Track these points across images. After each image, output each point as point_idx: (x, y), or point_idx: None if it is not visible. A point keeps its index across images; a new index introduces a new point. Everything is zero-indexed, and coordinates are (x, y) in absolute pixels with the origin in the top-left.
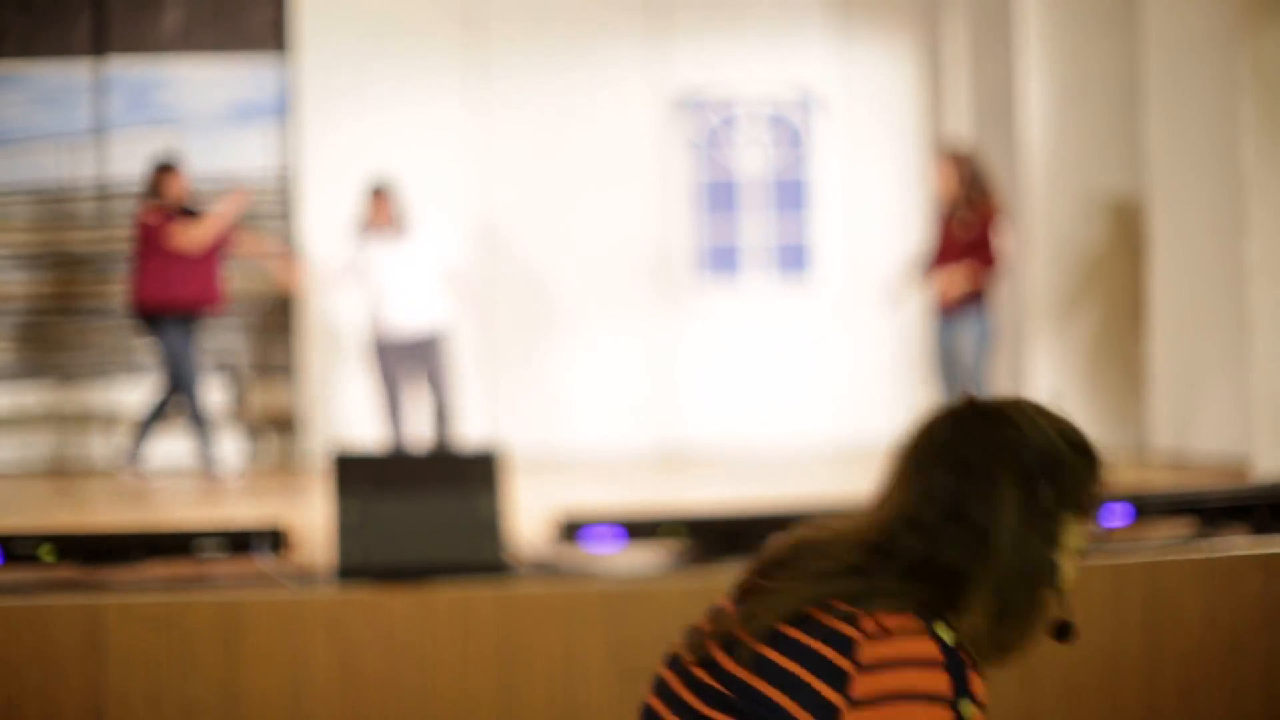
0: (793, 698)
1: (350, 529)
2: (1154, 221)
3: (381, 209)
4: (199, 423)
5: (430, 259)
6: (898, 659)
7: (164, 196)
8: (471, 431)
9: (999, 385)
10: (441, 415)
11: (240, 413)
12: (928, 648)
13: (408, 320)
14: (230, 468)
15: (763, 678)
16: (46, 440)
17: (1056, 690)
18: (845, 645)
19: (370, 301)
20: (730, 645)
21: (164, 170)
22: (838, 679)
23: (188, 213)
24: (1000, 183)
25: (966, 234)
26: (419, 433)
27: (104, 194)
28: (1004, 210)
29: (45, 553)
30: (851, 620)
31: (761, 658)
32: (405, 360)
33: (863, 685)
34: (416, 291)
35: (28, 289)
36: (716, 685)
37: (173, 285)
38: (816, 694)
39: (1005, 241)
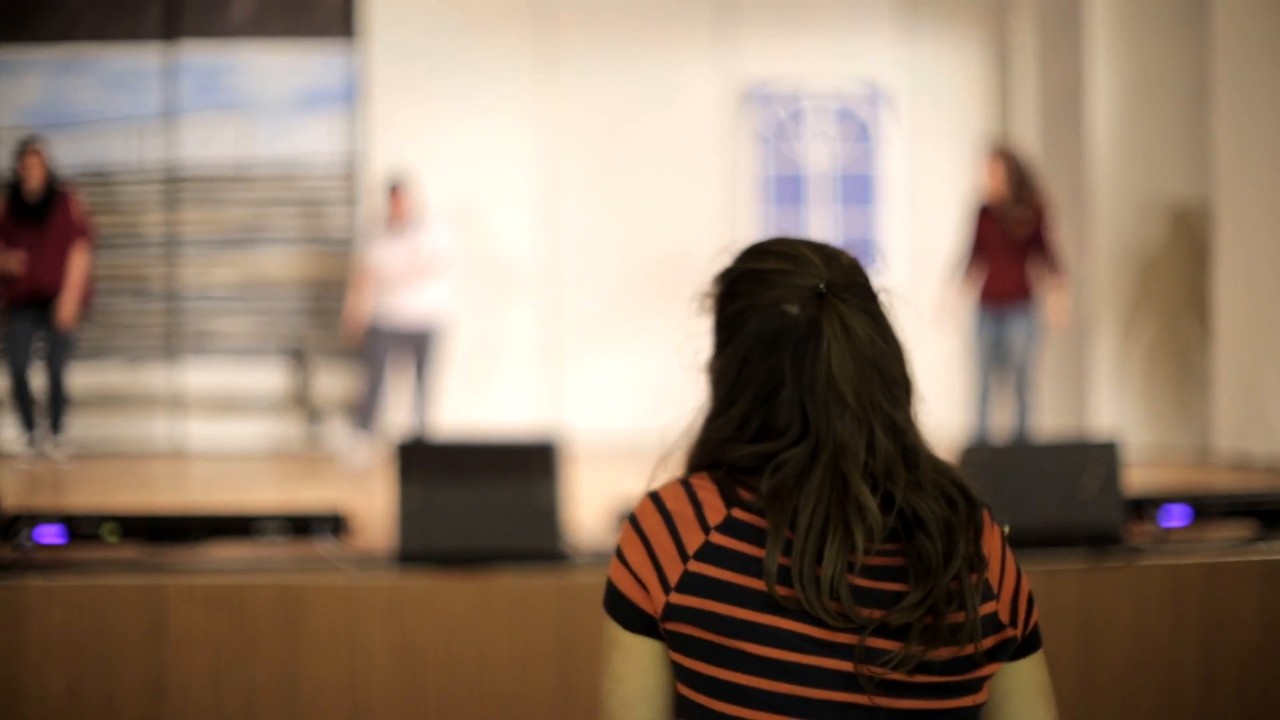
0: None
1: (411, 515)
2: (1219, 223)
3: (397, 203)
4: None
5: (425, 254)
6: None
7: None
8: (534, 419)
9: (1055, 385)
10: (422, 404)
11: (303, 396)
12: None
13: (404, 309)
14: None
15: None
16: (113, 421)
17: (1113, 691)
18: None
19: (375, 290)
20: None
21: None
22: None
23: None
24: (1052, 181)
25: (1022, 231)
26: (403, 419)
27: (172, 177)
28: (1052, 205)
29: (108, 533)
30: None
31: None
32: (398, 348)
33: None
34: (418, 281)
35: (96, 271)
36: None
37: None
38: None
39: (1057, 235)
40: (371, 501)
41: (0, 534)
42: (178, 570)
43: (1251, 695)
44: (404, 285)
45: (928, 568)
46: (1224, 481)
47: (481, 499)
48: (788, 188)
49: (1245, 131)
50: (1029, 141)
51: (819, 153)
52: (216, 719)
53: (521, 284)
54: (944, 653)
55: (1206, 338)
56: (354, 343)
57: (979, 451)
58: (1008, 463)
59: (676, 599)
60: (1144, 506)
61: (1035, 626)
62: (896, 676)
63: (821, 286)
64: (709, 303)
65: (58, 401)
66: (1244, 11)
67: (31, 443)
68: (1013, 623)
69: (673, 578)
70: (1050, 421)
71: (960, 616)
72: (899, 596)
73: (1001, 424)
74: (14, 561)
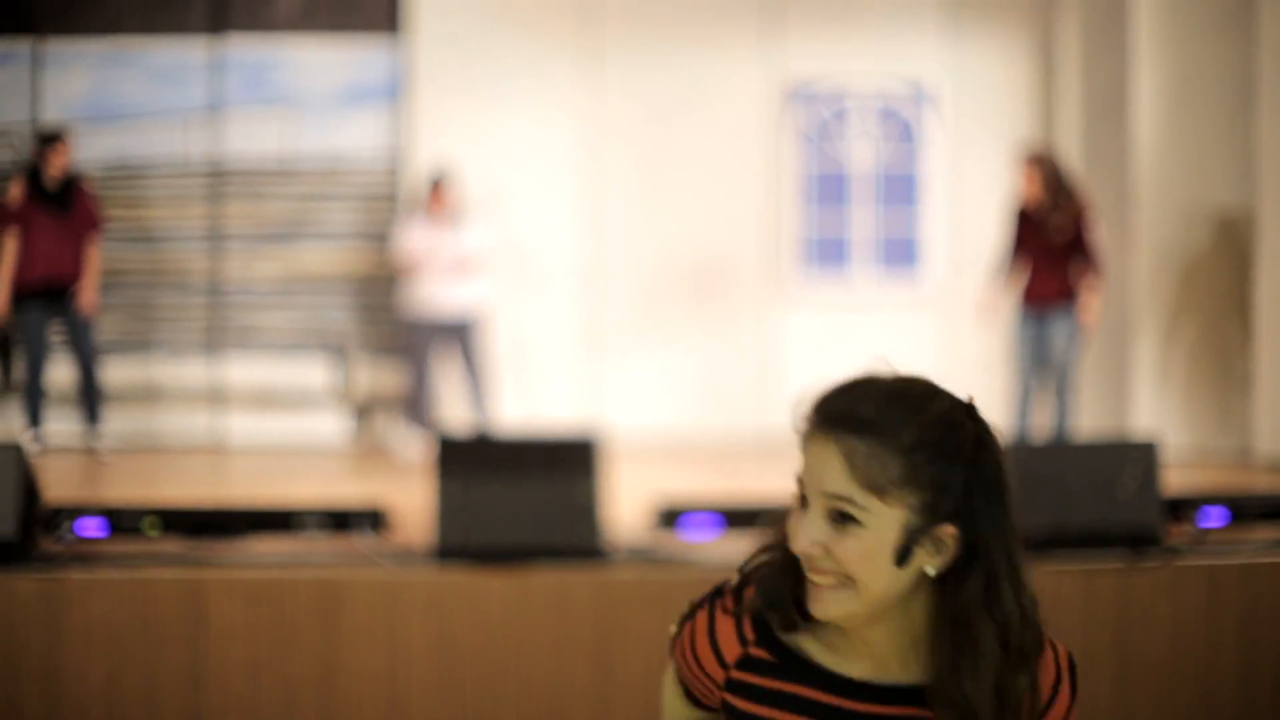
0: None
1: (450, 511)
2: (1262, 227)
3: (438, 197)
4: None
5: (467, 249)
6: None
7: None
8: (574, 417)
9: (1096, 386)
10: (479, 396)
11: (346, 392)
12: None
13: (445, 302)
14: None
15: None
16: (154, 415)
17: (1150, 691)
18: None
19: (417, 283)
20: None
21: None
22: None
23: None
24: (1095, 183)
25: (1062, 236)
26: (459, 414)
27: (217, 171)
28: (1092, 206)
29: (149, 526)
30: None
31: None
32: (441, 340)
33: None
34: (458, 276)
35: (140, 264)
36: None
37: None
38: None
39: (1098, 236)
40: (412, 497)
41: (42, 526)
42: (218, 564)
43: None
44: (445, 279)
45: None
46: (1263, 483)
47: (521, 495)
48: (830, 187)
49: None
50: (1071, 144)
51: (862, 152)
52: (255, 712)
53: (562, 279)
54: None
55: (1248, 341)
56: (408, 335)
57: (1019, 451)
58: (1047, 462)
59: None
60: (1182, 507)
61: None
62: None
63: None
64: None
65: (93, 393)
66: None
67: (37, 439)
68: None
69: None
70: (1090, 423)
71: None
72: None
73: (1041, 425)
74: (56, 554)
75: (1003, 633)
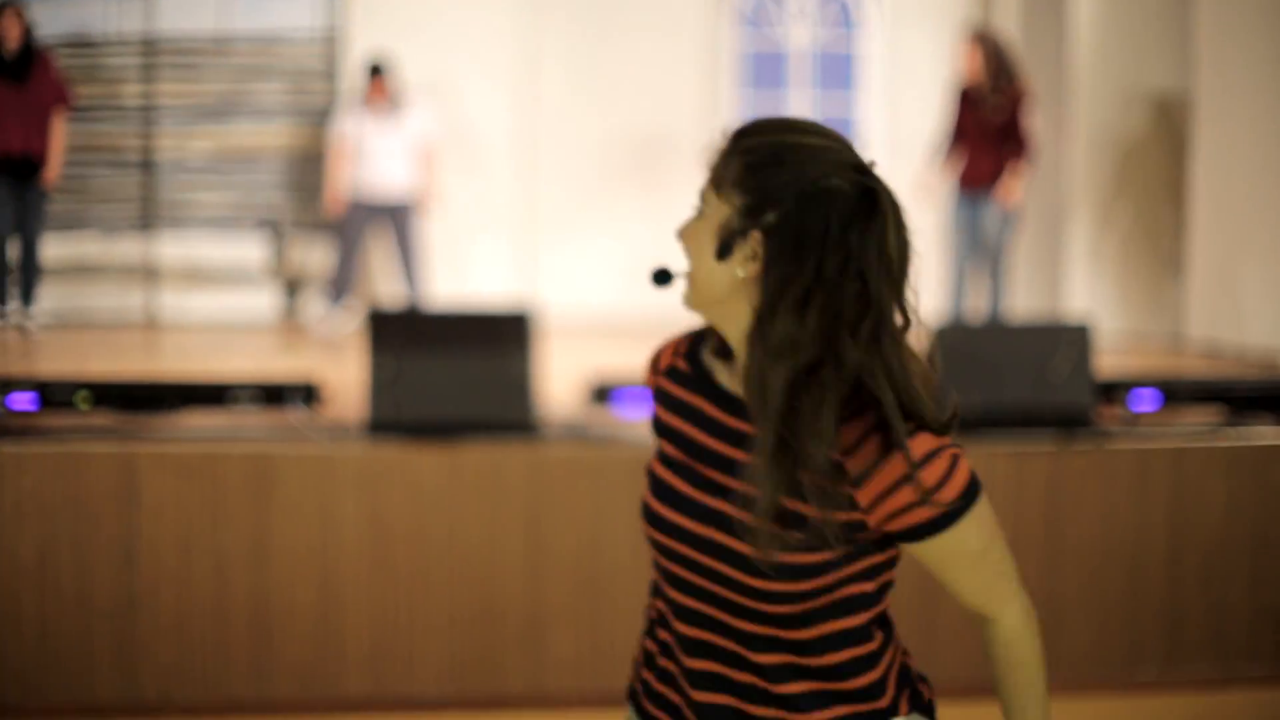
0: None
1: (382, 385)
2: (1198, 113)
3: (379, 86)
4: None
5: (413, 137)
6: None
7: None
8: (508, 292)
9: (1031, 269)
10: (411, 275)
11: (279, 269)
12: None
13: (384, 185)
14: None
15: None
16: (87, 291)
17: (1080, 570)
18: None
19: (355, 168)
20: None
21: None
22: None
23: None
24: (1033, 68)
25: (997, 117)
26: (391, 291)
27: (150, 48)
28: (1031, 93)
29: (81, 400)
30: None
31: None
32: (374, 222)
33: None
34: (395, 162)
35: (73, 141)
36: None
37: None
38: None
39: (1033, 123)
40: (345, 372)
41: None
42: (150, 438)
43: (1215, 576)
44: (394, 164)
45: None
46: (1195, 368)
47: (453, 369)
48: (767, 68)
49: (1226, 21)
50: (1010, 27)
51: (799, 34)
52: (187, 586)
53: (498, 161)
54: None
55: (1182, 227)
56: (334, 216)
57: (953, 332)
58: (980, 343)
59: None
60: (1114, 390)
61: (934, 519)
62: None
63: (869, 161)
64: (736, 173)
65: (31, 270)
66: None
67: (2, 315)
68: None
69: None
70: (1024, 305)
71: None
72: None
73: (975, 307)
74: None
75: (770, 347)
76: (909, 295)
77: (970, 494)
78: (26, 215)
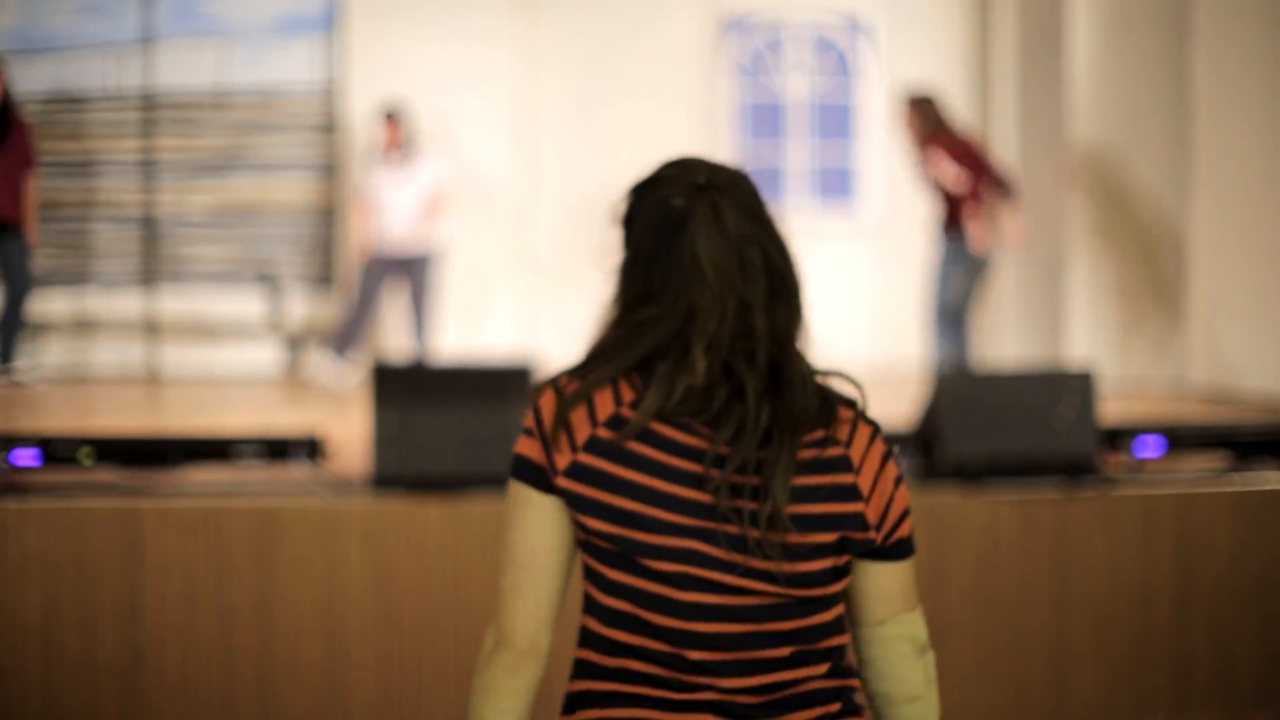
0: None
1: (386, 439)
2: (1199, 157)
3: (393, 133)
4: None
5: (427, 187)
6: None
7: None
8: (510, 345)
9: (1030, 313)
10: (420, 328)
11: (279, 323)
12: None
13: (399, 238)
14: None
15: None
16: (88, 346)
17: (1086, 618)
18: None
19: (372, 218)
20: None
21: None
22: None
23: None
24: (1032, 113)
25: (939, 174)
26: (398, 344)
27: (149, 103)
28: (972, 142)
29: (85, 455)
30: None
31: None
32: (391, 275)
33: None
34: (410, 214)
35: (73, 196)
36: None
37: None
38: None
39: (989, 170)
40: (348, 426)
41: None
42: (154, 494)
43: (1223, 623)
44: (410, 216)
45: (737, 429)
46: (1198, 413)
47: (457, 423)
48: (765, 118)
49: (1224, 65)
50: (1006, 77)
51: (797, 84)
52: (193, 643)
53: (497, 212)
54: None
55: (1182, 271)
56: (356, 269)
57: (955, 380)
58: (983, 392)
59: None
60: (1118, 437)
61: (903, 540)
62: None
63: (702, 180)
64: (618, 215)
65: (13, 326)
66: None
67: (5, 370)
68: (878, 527)
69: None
70: (1024, 351)
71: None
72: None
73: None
74: None
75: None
76: None
77: None
78: (10, 271)
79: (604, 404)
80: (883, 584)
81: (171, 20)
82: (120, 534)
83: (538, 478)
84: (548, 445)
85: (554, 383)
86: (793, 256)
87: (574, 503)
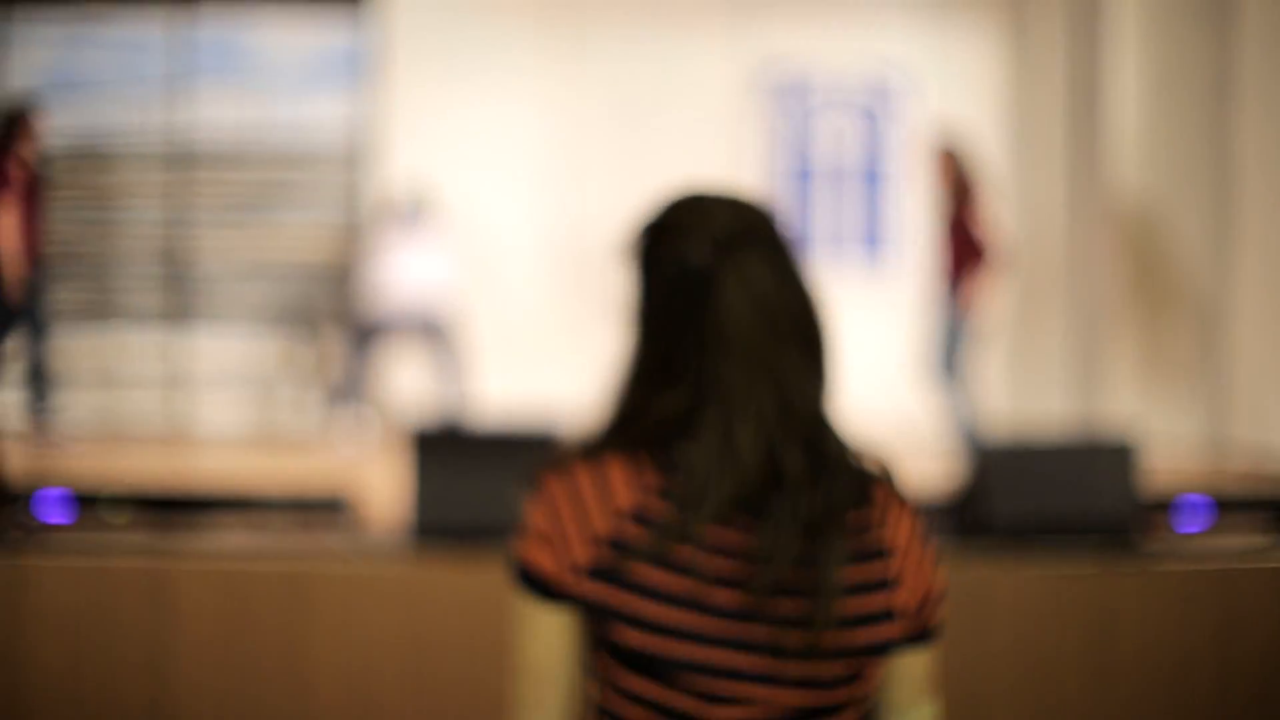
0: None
1: (424, 501)
2: (1243, 215)
3: (418, 221)
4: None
5: (439, 250)
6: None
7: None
8: (550, 401)
9: (1068, 370)
10: (449, 389)
11: (304, 373)
12: None
13: (409, 296)
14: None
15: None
16: (113, 393)
17: (1124, 698)
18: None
19: (381, 278)
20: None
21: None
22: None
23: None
24: (1074, 170)
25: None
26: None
27: (179, 149)
28: (979, 202)
29: (111, 509)
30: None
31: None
32: (401, 328)
33: None
34: (425, 275)
35: (98, 243)
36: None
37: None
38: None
39: (973, 220)
40: (376, 483)
41: (2, 509)
42: (182, 551)
43: (1268, 703)
44: (419, 277)
45: (781, 521)
46: (1242, 481)
47: (495, 487)
48: (802, 178)
49: (1269, 121)
50: (1049, 133)
51: (833, 144)
52: (220, 705)
53: (534, 266)
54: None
55: (1226, 332)
56: (362, 322)
57: (994, 453)
58: (1021, 462)
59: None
60: (1159, 508)
61: (933, 626)
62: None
63: (723, 234)
64: (629, 259)
65: (41, 371)
66: (1271, 3)
67: (40, 410)
68: (914, 615)
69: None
70: (1061, 407)
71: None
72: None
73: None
74: (16, 538)
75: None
76: None
77: None
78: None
79: (625, 492)
80: (906, 669)
81: (202, 64)
82: (147, 592)
83: (546, 588)
84: (558, 547)
85: (562, 467)
86: (822, 314)
87: (596, 611)
